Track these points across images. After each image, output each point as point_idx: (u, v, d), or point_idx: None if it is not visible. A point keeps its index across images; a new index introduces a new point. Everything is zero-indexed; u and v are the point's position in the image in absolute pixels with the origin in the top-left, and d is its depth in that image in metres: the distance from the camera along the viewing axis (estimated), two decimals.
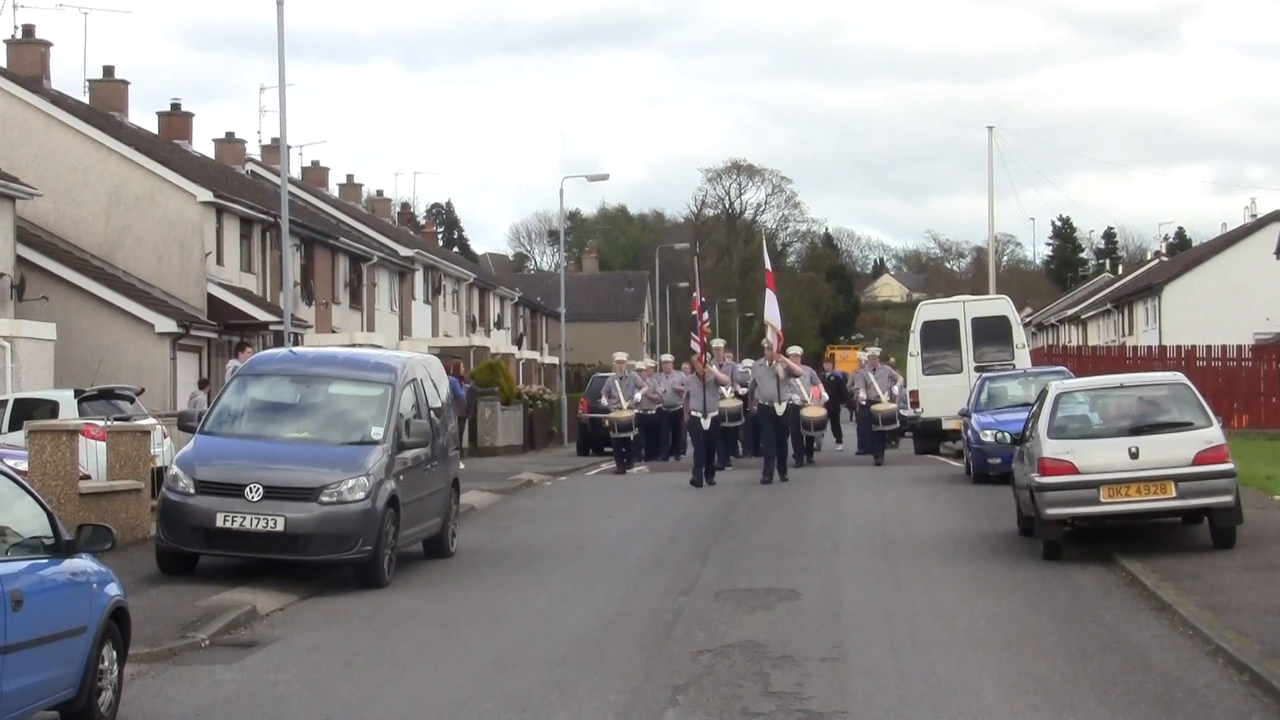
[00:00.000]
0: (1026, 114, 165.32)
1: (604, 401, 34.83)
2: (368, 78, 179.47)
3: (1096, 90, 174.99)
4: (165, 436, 24.32)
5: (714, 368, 28.91)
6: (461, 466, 22.01)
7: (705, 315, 30.95)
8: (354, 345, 35.31)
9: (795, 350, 30.07)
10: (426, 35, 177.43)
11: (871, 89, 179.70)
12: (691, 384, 29.02)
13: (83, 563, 10.40)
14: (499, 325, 70.66)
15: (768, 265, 32.04)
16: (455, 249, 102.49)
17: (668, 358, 37.36)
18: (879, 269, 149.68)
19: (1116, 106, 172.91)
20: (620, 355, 35.77)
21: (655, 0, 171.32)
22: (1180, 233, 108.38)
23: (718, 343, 31.99)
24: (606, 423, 34.47)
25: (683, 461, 33.66)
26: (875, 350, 36.70)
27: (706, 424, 27.97)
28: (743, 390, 29.63)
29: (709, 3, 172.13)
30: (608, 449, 36.54)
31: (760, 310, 30.50)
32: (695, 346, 30.28)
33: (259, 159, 56.13)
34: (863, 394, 33.47)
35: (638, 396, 33.57)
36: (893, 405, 32.92)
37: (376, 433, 17.03)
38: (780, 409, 27.66)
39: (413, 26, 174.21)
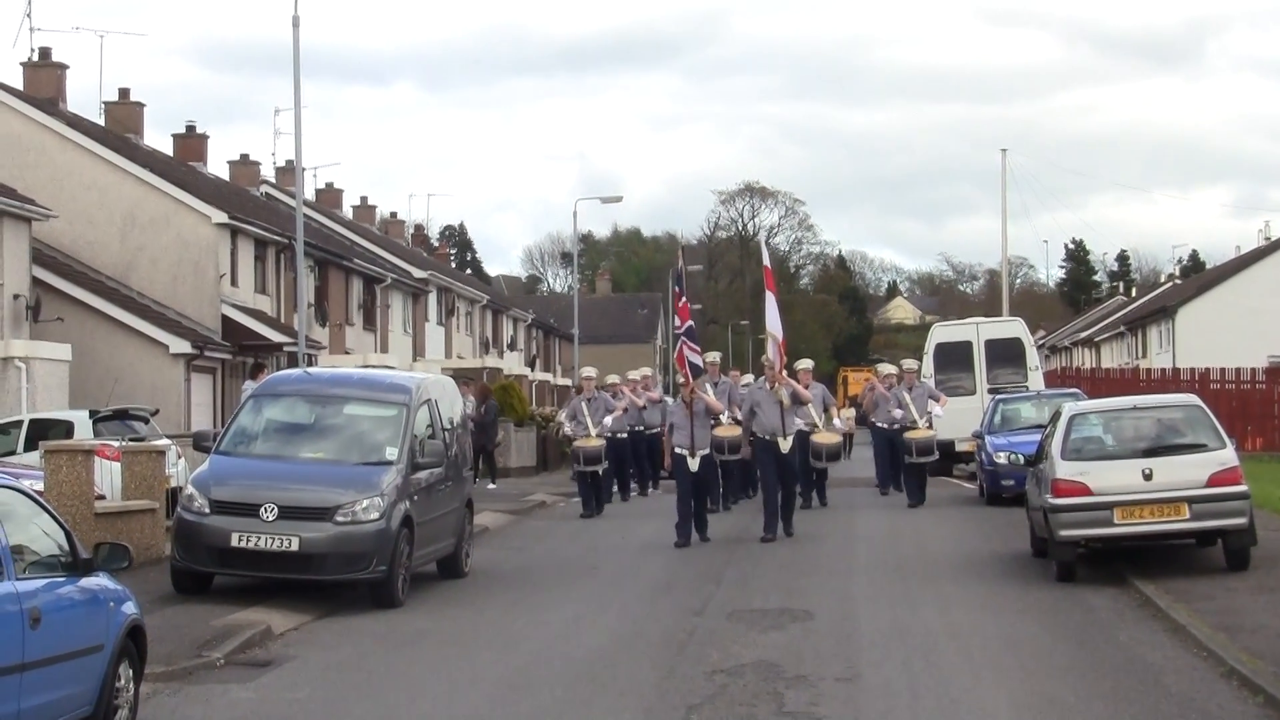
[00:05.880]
0: (1047, 135, 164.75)
1: (567, 427, 28.74)
2: (388, 99, 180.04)
3: (1117, 111, 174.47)
4: (180, 457, 24.40)
5: (704, 392, 22.51)
6: (494, 486, 21.50)
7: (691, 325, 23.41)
8: (368, 366, 35.35)
9: (805, 364, 24.85)
10: (447, 56, 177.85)
11: (890, 110, 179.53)
12: (677, 413, 22.21)
13: (100, 581, 10.45)
14: (512, 347, 70.76)
15: (765, 262, 25.84)
16: (469, 271, 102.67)
17: (647, 371, 32.38)
18: (892, 291, 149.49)
19: (1137, 128, 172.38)
20: (589, 371, 29.15)
21: (677, 21, 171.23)
22: (1194, 255, 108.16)
23: (711, 356, 26.37)
24: (569, 452, 29.61)
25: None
26: (911, 364, 29.43)
27: (695, 464, 21.69)
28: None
29: (730, 24, 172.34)
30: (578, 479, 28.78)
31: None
32: (685, 360, 22.62)
33: (274, 181, 56.33)
34: (897, 413, 27.57)
35: (608, 421, 27.93)
36: (931, 432, 27.21)
37: (391, 453, 17.08)
38: (785, 445, 21.92)
39: (433, 47, 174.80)
